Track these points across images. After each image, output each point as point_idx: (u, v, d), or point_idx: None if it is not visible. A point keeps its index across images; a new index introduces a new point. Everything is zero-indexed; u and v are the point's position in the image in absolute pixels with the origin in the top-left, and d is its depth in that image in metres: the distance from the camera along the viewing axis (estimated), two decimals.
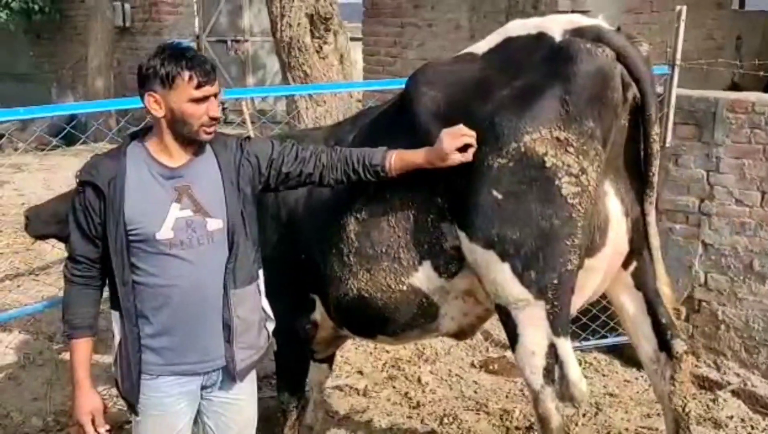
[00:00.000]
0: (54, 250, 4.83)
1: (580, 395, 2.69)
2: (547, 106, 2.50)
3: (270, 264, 2.69)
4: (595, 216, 2.63)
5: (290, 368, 3.45)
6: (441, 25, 7.43)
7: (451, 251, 2.74)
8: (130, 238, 2.39)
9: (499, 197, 2.54)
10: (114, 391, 3.74)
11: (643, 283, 2.94)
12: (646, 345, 2.99)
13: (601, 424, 4.23)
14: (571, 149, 2.50)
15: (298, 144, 2.70)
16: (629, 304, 2.99)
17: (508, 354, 4.62)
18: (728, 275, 4.49)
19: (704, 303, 4.61)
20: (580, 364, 4.68)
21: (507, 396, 4.55)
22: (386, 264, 2.83)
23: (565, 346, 2.66)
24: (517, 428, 4.19)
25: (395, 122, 2.85)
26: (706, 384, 4.58)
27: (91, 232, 2.43)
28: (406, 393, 4.59)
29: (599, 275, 2.78)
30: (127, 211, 2.38)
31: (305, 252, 3.04)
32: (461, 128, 2.57)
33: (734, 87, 7.20)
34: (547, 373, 2.67)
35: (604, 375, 4.81)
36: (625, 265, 2.91)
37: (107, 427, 2.54)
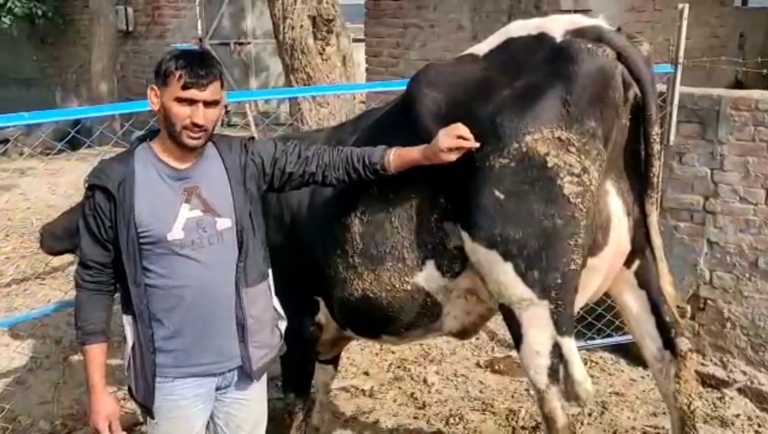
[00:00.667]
0: None
1: (585, 394, 2.69)
2: (548, 107, 2.51)
3: (273, 267, 2.69)
4: (597, 216, 2.64)
5: (296, 369, 3.46)
6: (443, 25, 7.44)
7: (454, 251, 2.75)
8: (142, 240, 2.40)
9: (502, 197, 2.55)
10: (121, 394, 3.78)
11: (646, 282, 2.94)
12: (650, 343, 2.99)
13: (607, 423, 4.23)
14: (572, 149, 2.50)
15: (300, 144, 2.72)
16: (633, 303, 2.99)
17: (514, 353, 4.61)
18: (733, 273, 4.48)
19: (710, 301, 4.61)
20: (585, 363, 4.71)
21: (513, 396, 4.55)
22: (390, 264, 2.84)
23: (570, 345, 2.66)
24: (523, 428, 4.19)
25: (397, 123, 2.86)
26: (712, 383, 4.58)
27: (102, 236, 2.44)
28: (412, 394, 4.59)
29: (601, 274, 2.78)
30: (137, 213, 2.39)
31: (308, 254, 3.05)
32: (459, 126, 2.58)
33: (738, 85, 7.20)
34: (552, 373, 2.67)
35: (610, 374, 4.80)
36: (628, 264, 2.91)
37: (123, 432, 2.56)
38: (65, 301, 4.64)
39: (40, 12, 12.38)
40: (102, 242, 2.44)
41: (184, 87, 2.35)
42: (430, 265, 2.81)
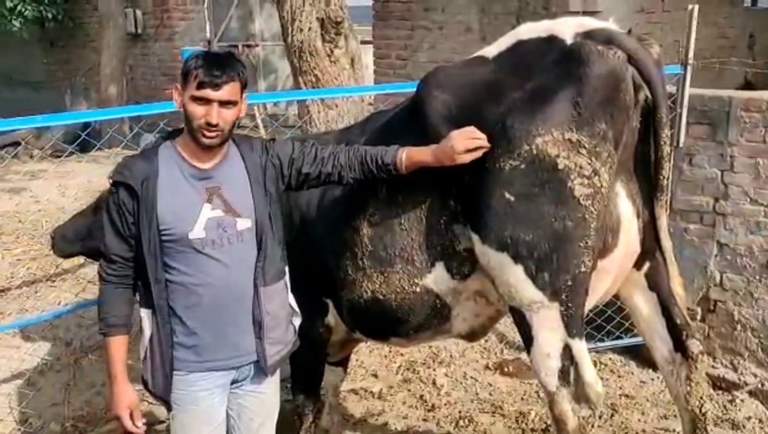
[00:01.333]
0: None
1: (596, 396, 2.68)
2: (558, 109, 2.51)
3: None
4: (607, 218, 2.63)
5: (305, 371, 3.46)
6: (451, 27, 7.44)
7: (463, 253, 2.76)
8: (163, 238, 2.45)
9: (512, 199, 2.55)
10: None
11: (656, 284, 2.93)
12: (661, 345, 2.99)
13: (617, 425, 4.21)
14: (583, 151, 2.50)
15: (317, 145, 2.75)
16: (643, 305, 2.99)
17: (523, 356, 4.61)
18: (744, 275, 4.46)
19: (720, 303, 4.58)
20: (595, 365, 4.70)
21: (522, 398, 4.54)
22: (399, 266, 2.84)
23: (580, 347, 2.66)
24: (533, 430, 4.18)
25: (406, 125, 2.86)
26: (722, 385, 4.56)
27: (125, 231, 2.49)
28: (421, 396, 4.59)
29: (611, 276, 2.78)
30: (160, 211, 2.44)
31: (317, 256, 3.06)
32: (473, 130, 2.58)
33: (747, 86, 7.17)
34: (563, 375, 2.67)
35: (619, 376, 4.79)
36: (638, 266, 2.91)
37: (144, 421, 2.62)
38: (75, 303, 4.67)
39: (49, 15, 12.44)
40: (125, 237, 2.50)
41: (199, 86, 2.39)
42: (440, 267, 2.81)
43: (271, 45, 11.66)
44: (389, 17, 8.05)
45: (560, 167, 2.50)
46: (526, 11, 6.53)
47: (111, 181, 2.53)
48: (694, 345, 2.92)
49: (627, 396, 4.54)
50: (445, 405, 4.49)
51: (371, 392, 4.63)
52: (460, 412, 4.39)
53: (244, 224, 2.52)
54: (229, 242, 2.50)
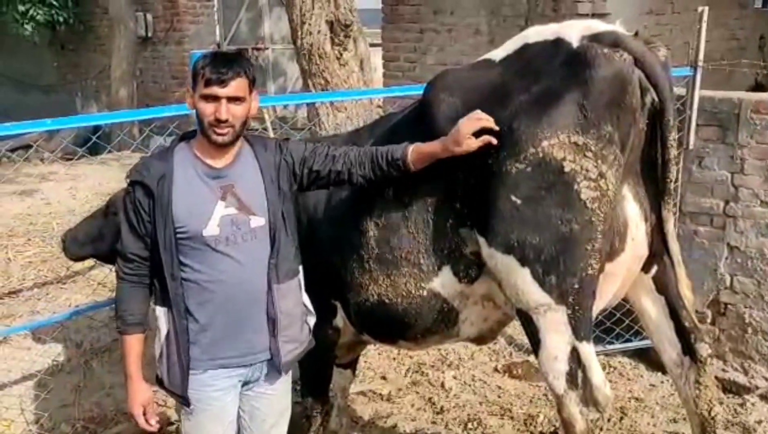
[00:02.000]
0: None
1: (604, 399, 2.68)
2: (565, 112, 2.51)
3: None
4: (614, 221, 2.63)
5: (314, 373, 3.47)
6: (460, 30, 7.44)
7: (470, 257, 2.76)
8: (178, 235, 2.49)
9: (518, 202, 2.55)
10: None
11: (664, 287, 2.93)
12: (669, 349, 2.98)
13: (626, 429, 4.20)
14: (589, 154, 2.50)
15: (329, 145, 2.78)
16: (651, 308, 2.98)
17: (532, 358, 4.60)
18: (755, 278, 4.43)
19: (730, 306, 4.56)
20: (604, 368, 4.72)
21: (531, 401, 4.53)
22: (406, 270, 2.85)
23: (588, 350, 2.65)
24: (541, 433, 4.18)
25: (414, 127, 2.86)
26: (733, 389, 4.53)
27: (141, 230, 2.53)
28: (430, 399, 4.59)
29: (619, 279, 2.77)
30: (175, 209, 2.48)
31: (325, 258, 3.06)
32: (478, 112, 2.58)
33: (758, 87, 7.13)
34: (571, 378, 2.67)
35: (629, 379, 4.77)
36: (646, 269, 2.90)
37: (158, 418, 2.67)
38: (86, 305, 4.70)
39: (61, 19, 12.51)
40: (141, 236, 2.54)
41: (207, 84, 2.43)
42: (447, 271, 2.82)
43: (281, 48, 11.69)
44: (398, 20, 8.06)
45: (566, 170, 2.50)
46: (535, 14, 6.52)
47: (128, 181, 2.57)
48: (703, 348, 2.91)
49: (636, 399, 4.52)
50: (454, 407, 4.49)
51: (380, 394, 4.64)
52: (468, 415, 4.39)
53: (258, 221, 2.56)
54: (243, 239, 2.53)
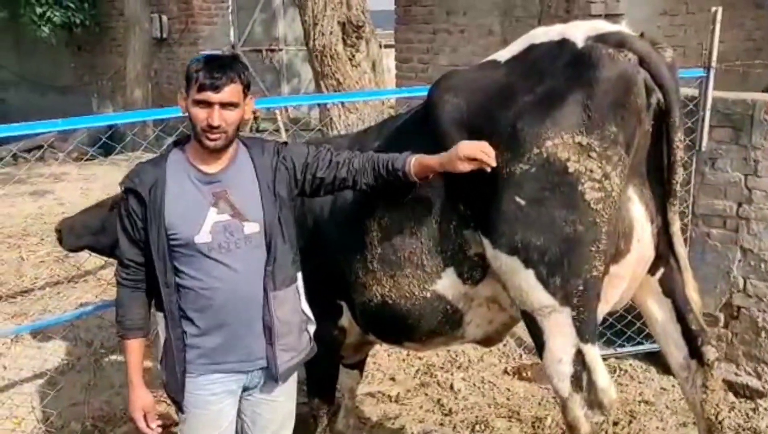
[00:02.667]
0: (91, 258, 4.93)
1: (609, 402, 2.66)
2: (569, 112, 2.49)
3: None
4: (619, 222, 2.60)
5: (320, 374, 3.46)
6: (473, 30, 7.42)
7: (474, 258, 2.75)
8: (171, 242, 2.47)
9: (522, 203, 2.53)
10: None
11: (671, 289, 2.90)
12: (676, 352, 2.95)
13: (635, 432, 4.16)
14: (593, 155, 2.48)
15: (332, 149, 2.74)
16: (658, 311, 2.95)
17: None
18: None
19: (743, 309, 4.50)
20: (614, 371, 4.68)
21: (539, 403, 4.51)
22: (410, 271, 2.84)
23: (593, 353, 2.63)
24: None
25: (419, 128, 2.86)
26: (745, 393, 4.48)
27: (136, 236, 2.53)
28: (439, 400, 4.57)
29: (624, 281, 2.75)
30: (167, 216, 2.46)
31: (331, 258, 3.06)
32: (484, 143, 2.55)
33: None
34: (575, 380, 2.65)
35: (639, 382, 4.73)
36: (652, 271, 2.87)
37: (159, 423, 2.66)
38: (96, 305, 4.72)
39: (77, 20, 12.64)
40: (136, 242, 2.53)
41: (200, 89, 2.40)
42: (450, 272, 2.80)
43: (295, 49, 11.73)
44: (411, 21, 8.06)
45: (570, 170, 2.48)
46: (548, 14, 6.49)
47: (121, 187, 2.57)
48: (710, 352, 2.88)
49: (646, 402, 4.48)
50: (462, 409, 4.47)
51: (388, 395, 4.63)
52: (477, 417, 4.37)
53: (252, 228, 2.52)
54: (237, 246, 2.50)
